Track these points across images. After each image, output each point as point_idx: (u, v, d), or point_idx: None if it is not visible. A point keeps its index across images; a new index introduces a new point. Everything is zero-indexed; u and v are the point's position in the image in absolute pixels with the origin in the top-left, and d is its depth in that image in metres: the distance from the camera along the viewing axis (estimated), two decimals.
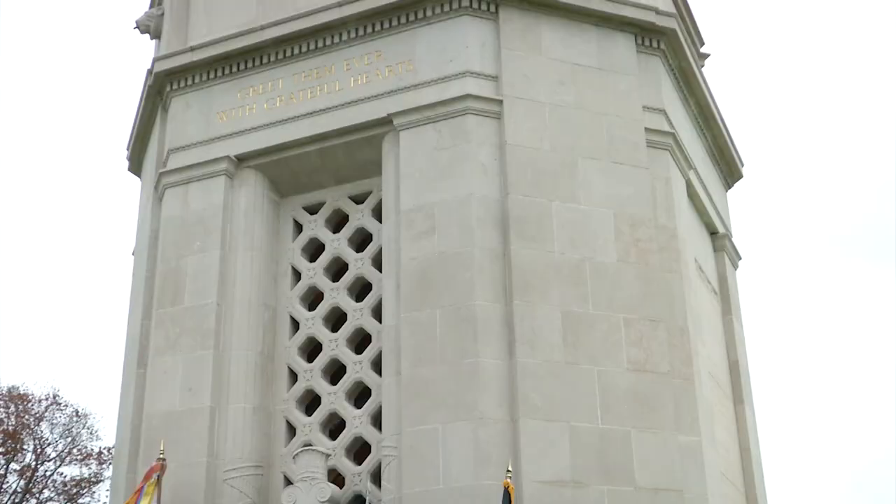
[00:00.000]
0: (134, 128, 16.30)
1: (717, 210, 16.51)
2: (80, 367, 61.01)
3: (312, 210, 14.22)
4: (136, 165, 16.79)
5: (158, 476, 12.06)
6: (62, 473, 33.85)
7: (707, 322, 14.58)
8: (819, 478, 66.64)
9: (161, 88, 15.14)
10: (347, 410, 12.89)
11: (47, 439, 33.74)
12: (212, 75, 14.60)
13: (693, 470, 11.94)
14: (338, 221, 14.10)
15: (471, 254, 12.23)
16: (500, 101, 12.96)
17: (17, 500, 32.67)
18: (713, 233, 16.44)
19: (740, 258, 17.32)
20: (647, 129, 13.44)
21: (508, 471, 9.27)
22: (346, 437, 12.77)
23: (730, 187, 17.84)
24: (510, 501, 9.13)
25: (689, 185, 14.53)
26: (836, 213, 72.73)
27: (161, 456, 12.21)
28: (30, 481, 33.21)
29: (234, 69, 14.45)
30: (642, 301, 12.46)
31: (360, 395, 13.06)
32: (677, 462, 11.83)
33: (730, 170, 17.55)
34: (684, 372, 12.42)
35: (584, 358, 11.96)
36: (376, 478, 12.32)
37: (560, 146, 12.94)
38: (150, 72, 15.27)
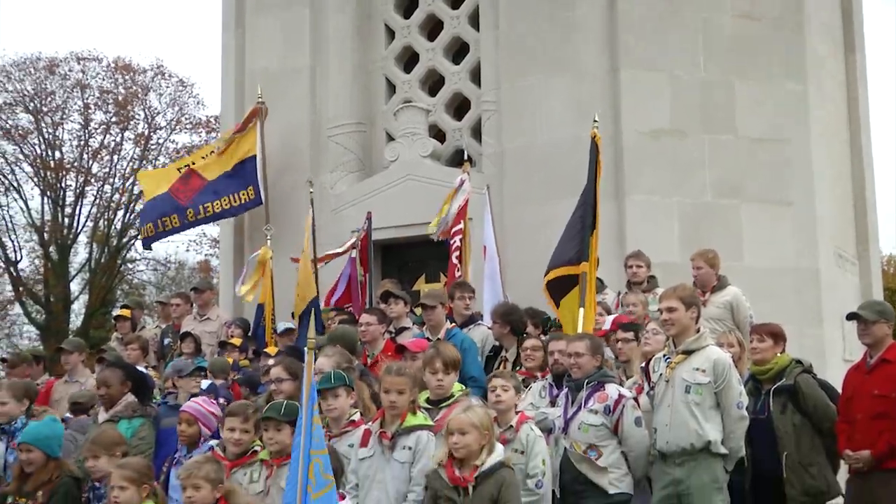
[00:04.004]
0: None
1: None
2: (181, 38, 61.71)
3: None
4: None
5: (259, 120, 12.40)
6: (174, 141, 35.07)
7: None
8: None
9: None
10: (446, 66, 12.83)
11: (156, 108, 34.69)
12: None
13: (797, 119, 11.73)
14: None
15: None
16: None
17: (135, 166, 34.27)
18: None
19: None
20: None
21: (595, 121, 9.22)
22: (445, 93, 12.81)
23: None
24: (597, 152, 9.13)
25: None
26: None
27: (259, 99, 12.50)
28: (144, 148, 34.59)
29: None
30: None
31: (459, 51, 12.94)
32: (781, 111, 11.64)
33: None
34: (793, 19, 11.90)
35: (687, 5, 11.52)
36: (476, 133, 12.47)
37: None
38: None
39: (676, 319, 6.67)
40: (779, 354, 7.49)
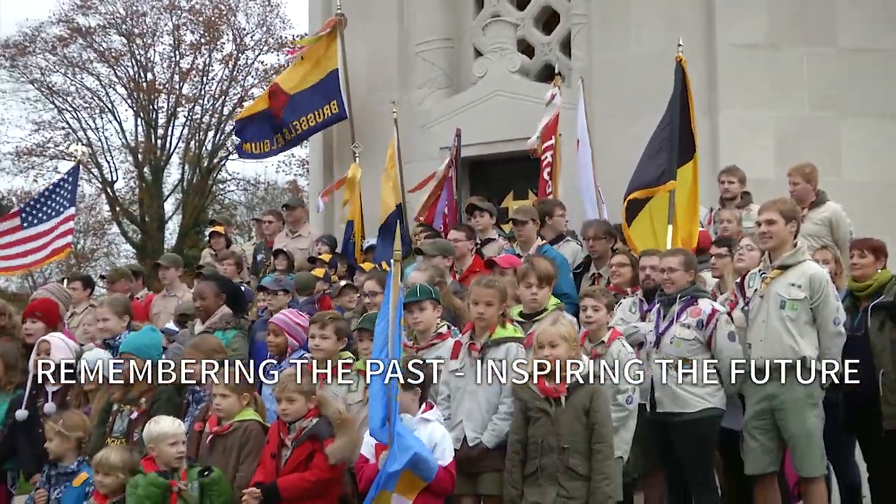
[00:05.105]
0: None
1: None
2: None
3: None
4: None
5: (339, 31, 12.39)
6: (262, 62, 35.14)
7: None
8: None
9: None
10: None
11: (244, 28, 34.77)
12: None
13: None
14: None
15: None
16: None
17: (224, 87, 34.53)
18: None
19: None
20: None
21: (679, 45, 8.89)
22: (534, 6, 12.58)
23: None
24: (684, 75, 8.79)
25: None
26: None
27: (339, 10, 12.47)
28: (233, 69, 34.78)
29: None
30: None
31: None
32: (882, 20, 11.24)
33: None
34: None
35: None
36: (566, 47, 12.26)
37: None
38: None
39: (775, 232, 6.54)
40: (879, 271, 7.31)
